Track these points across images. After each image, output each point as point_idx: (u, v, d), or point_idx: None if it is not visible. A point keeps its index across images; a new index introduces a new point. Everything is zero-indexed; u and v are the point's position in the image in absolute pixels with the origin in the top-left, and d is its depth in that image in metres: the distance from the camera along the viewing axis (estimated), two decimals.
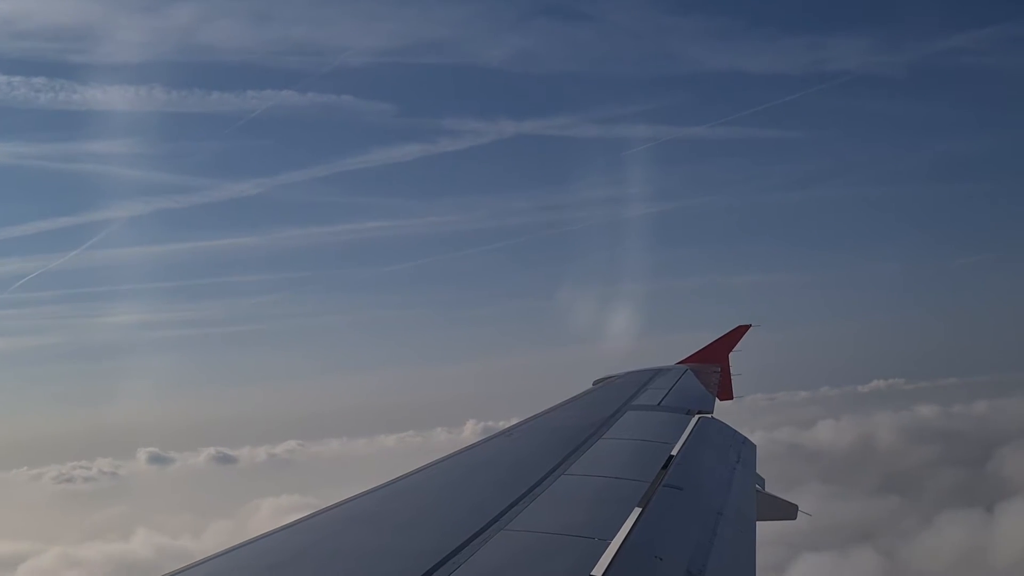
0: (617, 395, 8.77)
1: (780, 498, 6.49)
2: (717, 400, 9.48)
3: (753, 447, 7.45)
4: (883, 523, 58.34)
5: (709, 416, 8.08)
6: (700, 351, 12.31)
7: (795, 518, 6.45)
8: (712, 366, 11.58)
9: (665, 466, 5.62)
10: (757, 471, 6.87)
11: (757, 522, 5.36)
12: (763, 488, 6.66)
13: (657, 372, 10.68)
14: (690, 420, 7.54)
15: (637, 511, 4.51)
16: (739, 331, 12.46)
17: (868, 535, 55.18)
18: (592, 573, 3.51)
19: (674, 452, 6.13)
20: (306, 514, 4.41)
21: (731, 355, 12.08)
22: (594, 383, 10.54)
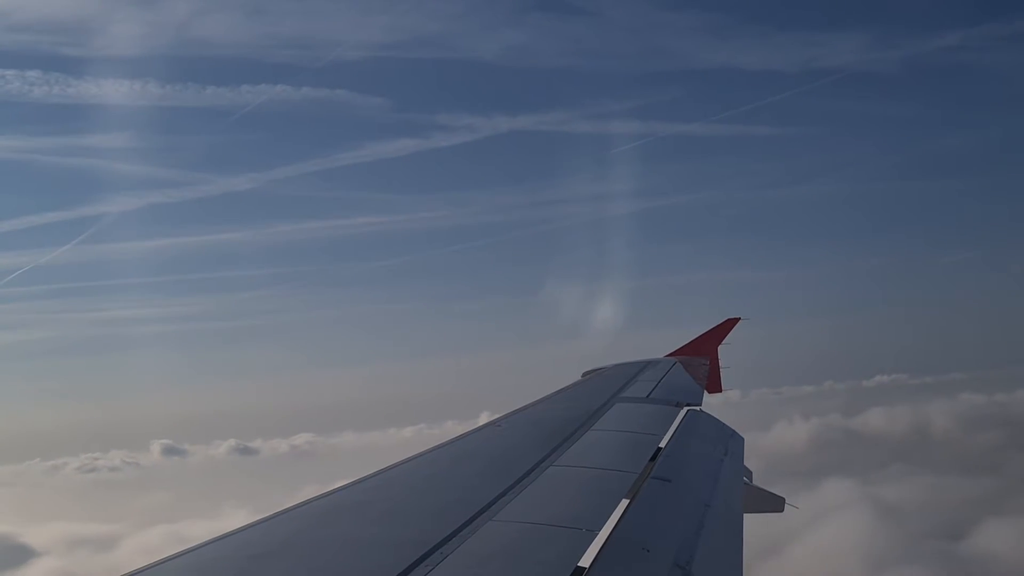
0: (606, 387, 8.77)
1: (767, 491, 6.50)
2: (706, 393, 9.50)
3: (741, 440, 7.46)
4: (1003, 499, 57.78)
5: (697, 409, 8.09)
6: (689, 344, 12.33)
7: (782, 510, 6.46)
8: (701, 359, 11.59)
9: (653, 458, 5.62)
10: (751, 463, 6.89)
11: (744, 514, 5.37)
12: (751, 480, 6.68)
13: (646, 365, 10.68)
14: (678, 412, 7.54)
15: (625, 503, 4.51)
16: (728, 324, 12.49)
17: (998, 509, 54.95)
18: (580, 564, 3.50)
19: (662, 444, 6.13)
20: (292, 504, 4.38)
21: (720, 348, 12.10)
22: (583, 375, 10.54)
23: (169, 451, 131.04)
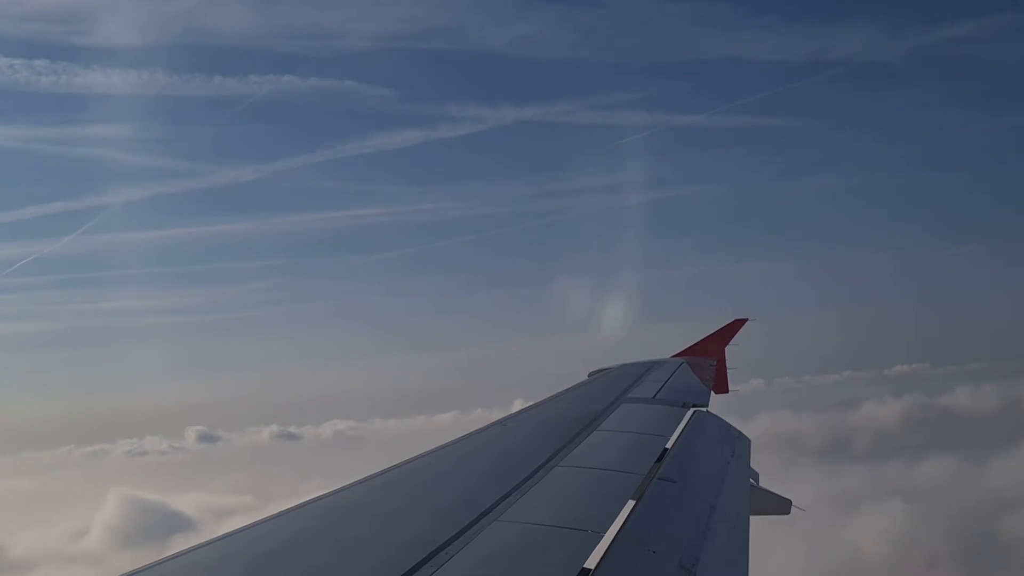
0: (612, 387, 8.75)
1: (774, 493, 6.47)
2: (713, 393, 9.48)
3: (748, 441, 7.44)
4: None
5: (704, 410, 8.07)
6: (696, 344, 12.29)
7: (788, 513, 6.44)
8: (708, 359, 11.56)
9: (659, 459, 5.61)
10: (752, 465, 6.87)
11: (751, 516, 5.35)
12: (757, 482, 6.65)
13: (652, 365, 10.66)
14: (685, 413, 7.53)
15: (631, 504, 4.50)
16: (735, 325, 12.44)
17: None
18: (585, 565, 3.50)
19: (669, 445, 6.12)
20: (298, 503, 4.38)
21: (727, 348, 12.06)
22: (589, 375, 10.52)
23: (205, 437, 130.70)
